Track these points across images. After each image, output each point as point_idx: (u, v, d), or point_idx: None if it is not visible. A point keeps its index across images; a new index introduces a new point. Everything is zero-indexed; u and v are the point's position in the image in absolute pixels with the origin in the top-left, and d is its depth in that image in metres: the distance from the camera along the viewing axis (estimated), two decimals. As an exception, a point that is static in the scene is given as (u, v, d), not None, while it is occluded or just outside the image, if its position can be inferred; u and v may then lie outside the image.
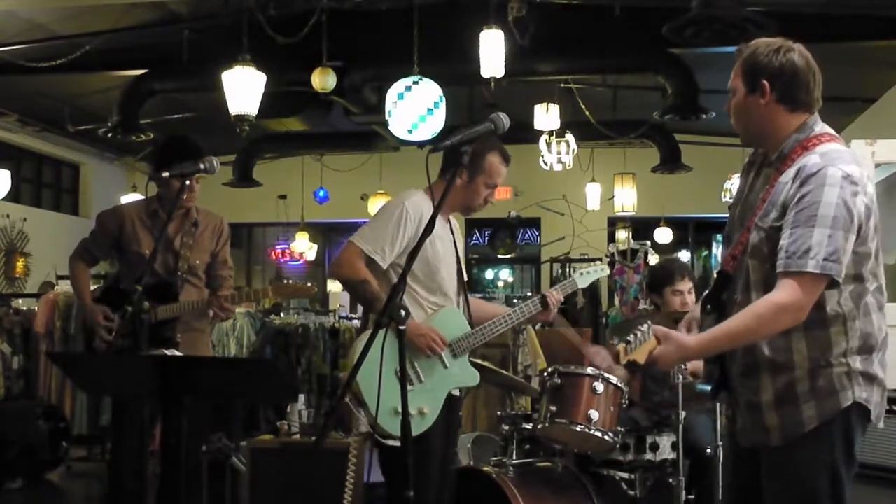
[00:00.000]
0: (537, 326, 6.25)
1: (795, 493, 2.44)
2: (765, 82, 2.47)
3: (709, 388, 2.64)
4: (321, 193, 13.33)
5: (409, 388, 3.05)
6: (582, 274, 3.85)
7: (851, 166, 2.39)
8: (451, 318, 3.39)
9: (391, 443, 3.15)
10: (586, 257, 10.86)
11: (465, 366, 3.41)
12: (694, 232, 14.43)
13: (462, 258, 3.55)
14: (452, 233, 3.51)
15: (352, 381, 2.37)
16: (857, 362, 2.43)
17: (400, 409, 3.01)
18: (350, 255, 3.30)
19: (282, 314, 8.31)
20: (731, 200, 2.98)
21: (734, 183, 9.89)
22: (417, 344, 3.20)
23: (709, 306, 2.56)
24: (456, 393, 3.45)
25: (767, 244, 2.43)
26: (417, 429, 3.13)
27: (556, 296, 3.51)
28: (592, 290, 10.10)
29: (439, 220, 3.32)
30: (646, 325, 2.48)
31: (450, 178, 2.92)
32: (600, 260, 9.49)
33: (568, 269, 10.44)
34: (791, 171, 2.43)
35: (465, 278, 3.57)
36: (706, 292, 2.63)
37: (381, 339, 2.26)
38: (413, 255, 2.54)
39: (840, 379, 2.42)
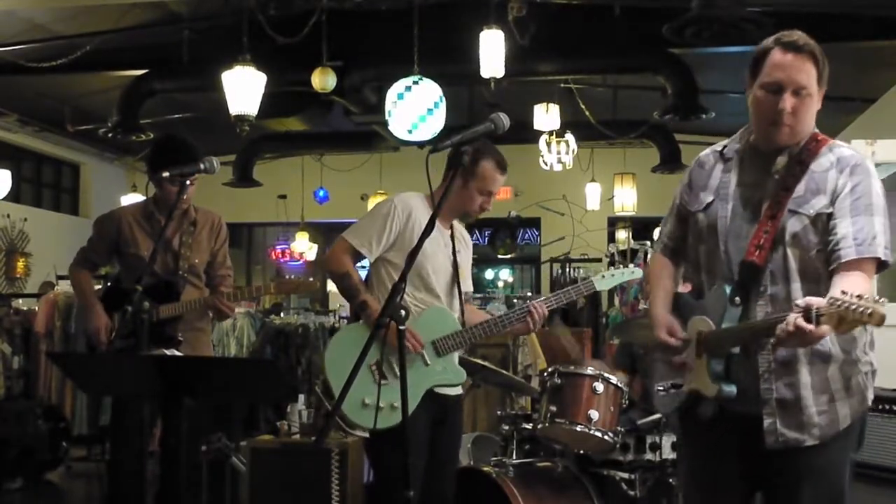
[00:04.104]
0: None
1: (827, 493, 2.45)
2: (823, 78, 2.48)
3: (734, 388, 2.44)
4: (321, 193, 13.33)
5: (383, 382, 3.15)
6: (604, 276, 3.64)
7: None
8: (437, 317, 3.39)
9: (359, 433, 3.27)
10: (586, 257, 10.85)
11: (451, 364, 3.39)
12: (694, 232, 14.39)
13: (463, 267, 3.53)
14: (453, 240, 3.51)
15: (350, 385, 2.37)
16: (872, 357, 2.49)
17: (367, 402, 3.15)
18: (337, 249, 3.42)
19: (282, 314, 8.31)
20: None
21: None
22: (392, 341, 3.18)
23: (737, 298, 2.46)
24: (449, 392, 3.43)
25: (814, 232, 2.43)
26: (387, 422, 3.14)
27: (540, 310, 3.46)
28: (592, 290, 10.07)
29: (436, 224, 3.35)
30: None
31: (449, 180, 2.96)
32: (600, 260, 9.46)
33: (568, 270, 10.42)
34: (825, 161, 2.46)
35: (465, 288, 3.55)
36: (731, 284, 2.49)
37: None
38: (412, 255, 2.54)
39: (865, 379, 2.47)
